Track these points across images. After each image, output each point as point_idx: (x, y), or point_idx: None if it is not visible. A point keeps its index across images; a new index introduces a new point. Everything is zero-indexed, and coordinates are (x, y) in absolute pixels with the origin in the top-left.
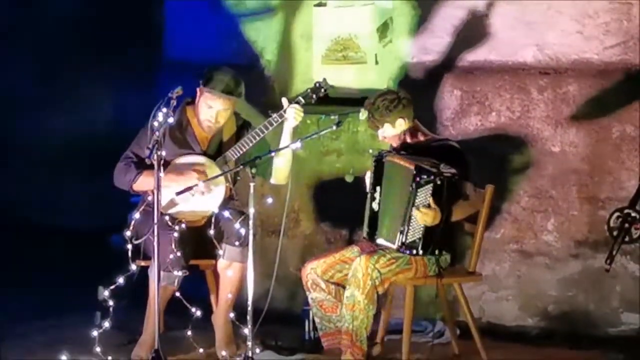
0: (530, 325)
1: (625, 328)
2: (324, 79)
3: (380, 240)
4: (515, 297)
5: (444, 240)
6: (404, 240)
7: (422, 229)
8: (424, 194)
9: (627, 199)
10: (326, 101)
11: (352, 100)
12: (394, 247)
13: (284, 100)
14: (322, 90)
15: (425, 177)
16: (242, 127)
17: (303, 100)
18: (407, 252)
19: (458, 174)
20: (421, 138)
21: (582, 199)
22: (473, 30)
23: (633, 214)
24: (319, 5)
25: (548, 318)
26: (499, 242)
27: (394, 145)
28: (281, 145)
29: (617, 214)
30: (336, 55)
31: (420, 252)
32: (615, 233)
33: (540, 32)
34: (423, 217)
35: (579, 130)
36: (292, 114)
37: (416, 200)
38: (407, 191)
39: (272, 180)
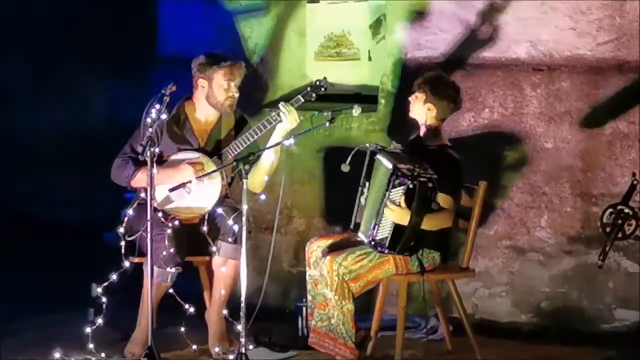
0: (524, 321)
1: (619, 324)
2: (325, 78)
3: (359, 234)
4: (508, 293)
5: (419, 242)
6: (374, 236)
7: (391, 227)
8: (396, 195)
9: (620, 195)
10: (319, 97)
11: (345, 97)
12: (366, 241)
13: (281, 104)
14: (322, 89)
15: (400, 179)
16: (241, 121)
17: (302, 99)
18: (377, 248)
19: (436, 181)
20: (431, 140)
21: (575, 196)
22: (468, 27)
23: (626, 210)
24: (313, 1)
25: (541, 314)
26: (492, 239)
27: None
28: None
29: (610, 210)
30: (329, 51)
31: (386, 250)
32: (608, 229)
33: (533, 28)
34: (391, 212)
35: (572, 127)
36: (288, 117)
37: (388, 200)
38: (383, 189)
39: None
